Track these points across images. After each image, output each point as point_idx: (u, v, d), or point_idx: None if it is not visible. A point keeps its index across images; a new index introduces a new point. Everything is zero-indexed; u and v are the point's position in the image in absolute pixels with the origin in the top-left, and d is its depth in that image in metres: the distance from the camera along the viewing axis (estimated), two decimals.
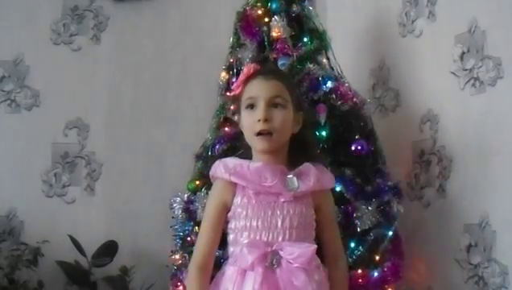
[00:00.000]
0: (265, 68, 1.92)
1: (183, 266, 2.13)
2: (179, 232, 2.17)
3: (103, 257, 2.73)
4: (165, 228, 2.30)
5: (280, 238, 1.64)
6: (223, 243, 1.78)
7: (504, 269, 2.04)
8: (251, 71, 1.75)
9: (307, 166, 1.72)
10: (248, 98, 1.72)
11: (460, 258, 2.21)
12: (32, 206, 2.85)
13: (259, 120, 1.67)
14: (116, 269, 2.75)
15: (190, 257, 2.08)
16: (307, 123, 1.80)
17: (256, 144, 1.71)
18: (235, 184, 1.69)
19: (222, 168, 1.70)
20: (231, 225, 1.71)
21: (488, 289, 2.10)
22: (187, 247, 2.14)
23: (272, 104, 1.69)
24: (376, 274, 2.02)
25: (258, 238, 1.65)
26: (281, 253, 1.62)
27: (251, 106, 1.70)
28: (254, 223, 1.65)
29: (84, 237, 2.73)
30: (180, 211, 2.17)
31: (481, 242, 2.13)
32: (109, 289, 2.72)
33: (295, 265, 1.60)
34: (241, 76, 1.76)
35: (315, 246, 1.65)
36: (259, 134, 1.68)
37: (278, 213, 1.66)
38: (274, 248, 1.63)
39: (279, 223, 1.65)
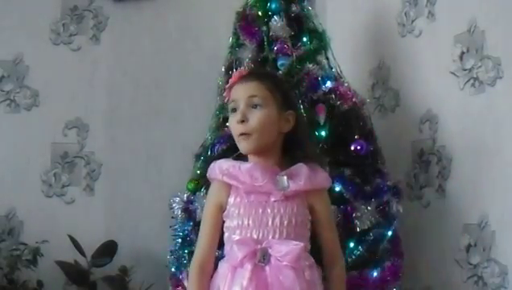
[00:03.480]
0: (248, 71, 1.93)
1: (183, 266, 2.14)
2: (179, 232, 2.18)
3: (102, 257, 2.72)
4: (165, 228, 2.30)
5: (270, 236, 1.66)
6: (223, 243, 1.78)
7: (503, 269, 2.04)
8: (235, 78, 1.78)
9: (299, 166, 1.73)
10: (231, 102, 1.76)
11: (460, 258, 2.21)
12: (32, 206, 2.85)
13: (237, 121, 1.71)
14: (115, 269, 2.75)
15: (189, 257, 2.10)
16: (300, 122, 1.81)
17: (239, 146, 1.74)
18: (230, 185, 1.72)
19: (217, 169, 1.74)
20: (226, 224, 1.73)
21: (487, 289, 2.10)
22: (186, 247, 2.14)
23: (251, 104, 1.71)
24: (375, 274, 2.03)
25: (248, 235, 1.67)
26: (270, 250, 1.64)
27: (234, 110, 1.74)
28: (246, 221, 1.68)
29: (83, 237, 2.73)
30: (180, 211, 2.17)
31: (480, 242, 2.13)
32: (108, 289, 2.72)
33: (284, 263, 1.62)
34: (229, 83, 1.80)
35: (303, 244, 1.66)
36: (240, 135, 1.72)
37: (269, 211, 1.68)
38: (263, 245, 1.65)
39: (270, 221, 1.67)
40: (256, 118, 1.70)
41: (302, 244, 1.65)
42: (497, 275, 2.06)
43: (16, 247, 2.71)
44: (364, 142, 2.13)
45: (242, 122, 1.70)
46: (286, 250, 1.63)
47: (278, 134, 1.75)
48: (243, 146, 1.72)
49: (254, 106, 1.71)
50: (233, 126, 1.73)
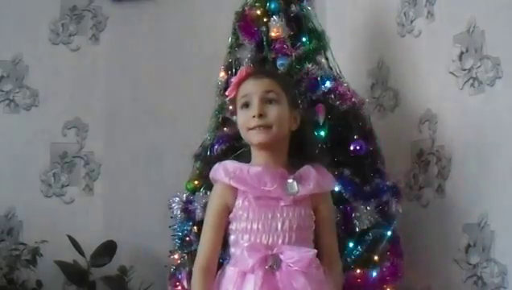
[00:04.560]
0: (257, 69, 1.93)
1: (182, 266, 2.14)
2: (178, 232, 2.18)
3: (102, 257, 2.73)
4: (164, 228, 2.30)
5: (280, 241, 1.65)
6: (224, 243, 1.78)
7: (503, 269, 2.04)
8: (243, 74, 1.77)
9: (307, 169, 1.71)
10: (242, 97, 1.73)
11: (459, 258, 2.21)
12: (31, 206, 2.85)
13: (254, 116, 1.68)
14: (115, 269, 2.75)
15: (189, 257, 2.10)
16: (305, 122, 1.80)
17: (252, 138, 1.71)
18: (236, 187, 1.70)
19: (222, 172, 1.71)
20: (232, 227, 1.71)
21: (487, 289, 2.10)
22: (185, 247, 2.14)
23: (266, 100, 1.70)
24: (375, 274, 2.02)
25: (258, 240, 1.65)
26: (281, 256, 1.63)
27: (246, 105, 1.72)
28: (255, 226, 1.66)
29: (82, 237, 2.73)
30: (179, 211, 2.17)
31: (479, 242, 2.13)
32: (107, 289, 2.72)
33: (295, 268, 1.61)
34: (235, 80, 1.78)
35: (315, 251, 1.65)
36: (254, 128, 1.69)
37: (278, 215, 1.66)
38: (274, 252, 1.63)
39: (279, 226, 1.66)
40: (273, 112, 1.69)
41: (314, 251, 1.64)
42: (496, 275, 2.06)
43: (15, 247, 2.72)
44: (363, 142, 2.13)
45: (260, 116, 1.68)
46: (298, 256, 1.61)
47: (288, 132, 1.74)
48: (261, 137, 1.68)
49: (270, 101, 1.70)
50: (247, 120, 1.70)
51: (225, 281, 1.68)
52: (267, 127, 1.68)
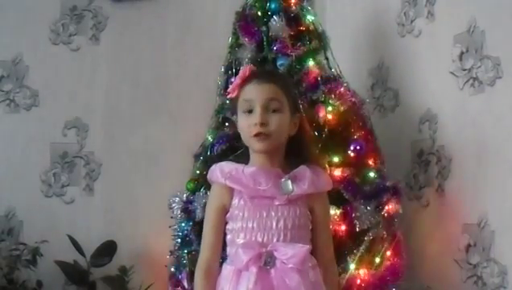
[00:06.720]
0: (261, 71, 1.92)
1: (182, 266, 2.14)
2: (178, 232, 2.18)
3: (102, 257, 2.73)
4: (164, 228, 2.30)
5: (275, 239, 1.66)
6: (224, 244, 1.78)
7: (503, 269, 2.04)
8: (247, 73, 1.76)
9: (302, 169, 1.72)
10: (244, 101, 1.73)
11: (459, 258, 2.21)
12: (31, 206, 2.85)
13: (256, 124, 1.68)
14: (115, 269, 2.75)
15: (189, 257, 2.10)
16: (304, 125, 1.80)
17: (253, 145, 1.72)
18: (232, 187, 1.71)
19: (218, 173, 1.73)
20: (229, 226, 1.73)
21: (487, 289, 2.10)
22: (186, 247, 2.14)
23: (269, 108, 1.70)
24: (375, 274, 2.02)
25: (253, 239, 1.67)
26: (275, 253, 1.64)
27: (248, 111, 1.71)
28: (250, 224, 1.67)
29: (83, 237, 2.73)
30: (179, 211, 2.18)
31: (479, 242, 2.14)
32: (107, 289, 2.72)
33: (289, 265, 1.62)
34: (237, 80, 1.77)
35: (308, 246, 1.66)
36: (256, 135, 1.69)
37: (273, 214, 1.67)
38: (268, 249, 1.64)
39: (274, 224, 1.67)
40: (275, 121, 1.68)
41: (307, 246, 1.65)
42: (496, 275, 2.06)
43: (16, 247, 2.72)
44: (363, 142, 2.13)
45: (262, 124, 1.67)
46: (292, 252, 1.62)
47: (286, 138, 1.75)
48: (260, 145, 1.69)
49: (272, 110, 1.69)
50: (249, 126, 1.70)
51: (221, 280, 1.69)
52: (268, 135, 1.69)
